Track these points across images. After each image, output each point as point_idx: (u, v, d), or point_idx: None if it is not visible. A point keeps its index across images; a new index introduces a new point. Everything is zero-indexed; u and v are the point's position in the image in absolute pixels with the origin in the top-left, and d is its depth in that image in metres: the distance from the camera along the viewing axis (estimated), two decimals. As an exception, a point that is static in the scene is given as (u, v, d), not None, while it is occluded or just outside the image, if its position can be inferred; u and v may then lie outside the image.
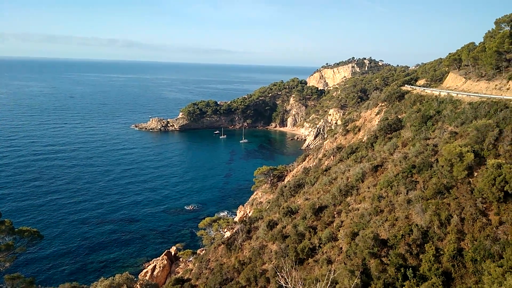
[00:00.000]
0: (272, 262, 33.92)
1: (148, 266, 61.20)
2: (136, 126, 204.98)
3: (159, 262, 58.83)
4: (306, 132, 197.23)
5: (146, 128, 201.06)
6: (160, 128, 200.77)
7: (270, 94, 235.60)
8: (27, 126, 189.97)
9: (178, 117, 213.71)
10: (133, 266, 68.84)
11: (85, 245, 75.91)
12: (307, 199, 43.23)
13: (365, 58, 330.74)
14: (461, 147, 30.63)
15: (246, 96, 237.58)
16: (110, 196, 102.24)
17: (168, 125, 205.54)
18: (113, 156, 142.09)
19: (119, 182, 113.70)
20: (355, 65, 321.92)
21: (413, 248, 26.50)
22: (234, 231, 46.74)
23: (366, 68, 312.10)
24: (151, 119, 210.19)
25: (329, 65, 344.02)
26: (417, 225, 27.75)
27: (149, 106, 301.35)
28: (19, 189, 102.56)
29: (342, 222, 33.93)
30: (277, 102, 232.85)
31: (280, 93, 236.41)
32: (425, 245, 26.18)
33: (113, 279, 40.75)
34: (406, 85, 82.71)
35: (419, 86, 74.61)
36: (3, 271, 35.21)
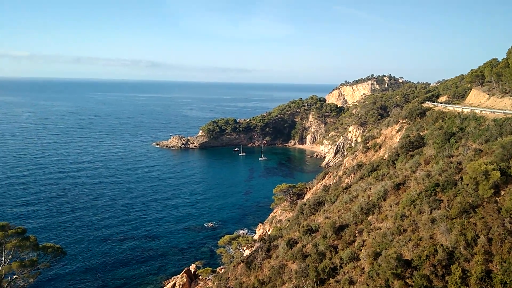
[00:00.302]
0: (293, 282, 33.43)
1: (168, 283, 61.22)
2: (157, 144, 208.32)
3: (179, 280, 58.75)
4: (325, 150, 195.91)
5: (167, 146, 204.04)
6: (180, 146, 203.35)
7: (289, 112, 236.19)
8: (53, 144, 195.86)
9: (198, 134, 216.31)
10: (153, 284, 68.94)
11: (106, 262, 76.62)
12: (327, 218, 42.69)
13: (384, 75, 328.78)
14: (486, 165, 29.87)
15: (265, 114, 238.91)
16: (132, 213, 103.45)
17: (188, 142, 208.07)
18: (135, 174, 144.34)
19: (141, 199, 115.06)
20: (375, 82, 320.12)
21: (439, 269, 25.70)
22: (254, 249, 46.42)
23: (386, 85, 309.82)
24: (171, 137, 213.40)
25: (348, 82, 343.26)
26: (442, 245, 26.97)
27: (170, 124, 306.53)
28: (45, 206, 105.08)
29: (364, 241, 33.28)
30: (296, 120, 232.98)
31: (299, 110, 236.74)
32: (451, 266, 25.35)
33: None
34: (427, 102, 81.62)
35: (441, 103, 73.50)
36: (27, 287, 35.96)
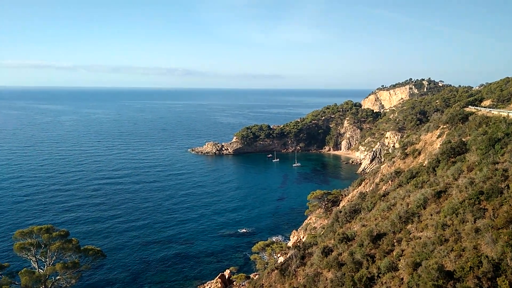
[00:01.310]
0: (328, 291, 32.77)
1: (202, 288, 61.83)
2: (192, 150, 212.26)
3: (213, 285, 59.21)
4: (361, 156, 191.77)
5: (201, 152, 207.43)
6: (215, 152, 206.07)
7: (323, 117, 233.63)
8: (95, 150, 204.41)
9: (232, 141, 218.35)
10: (188, 288, 69.91)
11: (143, 265, 78.59)
12: (364, 226, 41.64)
13: (423, 79, 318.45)
14: (536, 172, 28.07)
15: (299, 120, 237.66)
16: (169, 218, 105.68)
17: (223, 149, 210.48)
18: (173, 180, 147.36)
19: (178, 206, 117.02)
20: (413, 86, 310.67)
21: (484, 282, 24.32)
22: (288, 256, 45.99)
23: (425, 89, 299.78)
24: (206, 143, 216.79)
25: (385, 87, 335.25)
26: (487, 256, 25.53)
27: (205, 130, 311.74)
28: (87, 211, 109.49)
29: (402, 251, 32.12)
30: (331, 125, 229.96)
31: (333, 116, 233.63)
32: (497, 279, 23.92)
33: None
34: (469, 106, 78.16)
35: (484, 107, 70.15)
36: None
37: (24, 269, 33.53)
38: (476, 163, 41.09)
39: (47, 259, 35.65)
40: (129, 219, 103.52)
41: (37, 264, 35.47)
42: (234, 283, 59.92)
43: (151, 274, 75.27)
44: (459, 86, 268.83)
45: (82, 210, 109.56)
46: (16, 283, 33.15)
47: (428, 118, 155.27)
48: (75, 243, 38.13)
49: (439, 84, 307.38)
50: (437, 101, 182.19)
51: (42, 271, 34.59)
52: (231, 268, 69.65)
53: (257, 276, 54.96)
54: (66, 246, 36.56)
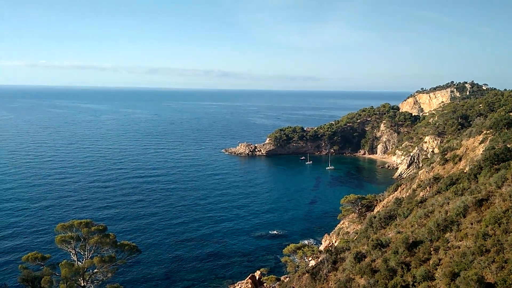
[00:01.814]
0: (360, 297, 32.07)
1: (233, 288, 62.29)
2: (226, 151, 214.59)
3: (244, 285, 59.51)
4: (398, 160, 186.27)
5: (235, 153, 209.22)
6: (248, 153, 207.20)
7: (358, 120, 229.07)
8: (133, 149, 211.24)
9: (265, 142, 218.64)
10: (219, 287, 70.61)
11: (177, 263, 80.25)
12: (399, 232, 40.37)
13: (466, 82, 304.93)
14: None
15: (333, 122, 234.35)
16: (203, 217, 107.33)
17: (256, 150, 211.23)
18: (207, 180, 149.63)
19: (212, 206, 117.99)
20: (455, 89, 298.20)
21: (529, 298, 22.91)
22: (319, 260, 45.41)
23: (468, 93, 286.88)
24: (239, 144, 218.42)
25: (425, 90, 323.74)
26: (533, 270, 24.03)
27: (238, 131, 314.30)
28: (125, 208, 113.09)
29: (439, 260, 30.86)
30: (366, 129, 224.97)
31: (369, 119, 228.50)
32: (545, 295, 22.46)
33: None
34: (516, 111, 73.99)
35: (533, 112, 66.21)
36: (105, 281, 38.85)
37: (64, 261, 35.10)
38: (523, 171, 38.83)
39: (86, 253, 37.14)
40: (164, 217, 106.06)
41: (76, 256, 37.01)
42: (265, 284, 59.90)
43: (184, 271, 76.75)
44: (505, 89, 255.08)
45: (120, 206, 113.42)
46: (57, 274, 34.74)
47: (470, 123, 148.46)
48: (112, 238, 39.41)
49: (483, 88, 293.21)
50: (481, 105, 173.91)
51: (80, 263, 36.09)
52: (261, 269, 69.67)
53: (287, 279, 54.66)
54: (104, 240, 37.88)
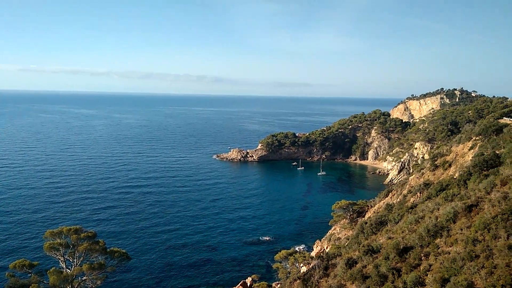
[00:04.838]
0: (351, 304, 32.04)
1: (224, 295, 61.73)
2: (217, 156, 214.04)
3: (235, 292, 59.00)
4: (389, 166, 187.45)
5: (227, 159, 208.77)
6: (240, 159, 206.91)
7: (350, 126, 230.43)
8: (124, 155, 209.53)
9: (257, 148, 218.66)
10: (210, 294, 70.09)
11: (166, 270, 79.47)
12: (390, 238, 40.53)
13: (455, 89, 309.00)
14: None
15: (325, 128, 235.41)
16: (193, 224, 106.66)
17: (248, 155, 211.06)
18: (198, 186, 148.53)
19: (204, 212, 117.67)
20: (444, 96, 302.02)
21: (518, 303, 23.08)
22: (311, 266, 45.35)
23: (457, 100, 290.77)
24: (231, 150, 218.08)
25: (415, 96, 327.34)
26: (522, 276, 24.25)
27: (231, 137, 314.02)
28: (116, 214, 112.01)
29: (430, 265, 31.01)
30: (358, 135, 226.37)
31: (360, 125, 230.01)
32: (533, 300, 22.66)
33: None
34: (504, 118, 75.24)
35: (520, 118, 67.27)
36: (94, 288, 38.31)
37: (52, 268, 34.57)
38: (510, 176, 39.35)
39: (75, 260, 36.64)
40: (155, 223, 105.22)
41: (65, 264, 36.49)
42: (256, 291, 59.49)
43: (174, 278, 76.01)
44: (493, 96, 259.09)
45: (111, 212, 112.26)
46: (45, 281, 34.18)
47: (460, 129, 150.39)
48: (102, 245, 38.99)
49: (472, 95, 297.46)
50: (470, 111, 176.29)
51: (69, 271, 35.56)
52: (253, 276, 69.25)
53: (279, 286, 54.43)
54: (93, 247, 37.45)
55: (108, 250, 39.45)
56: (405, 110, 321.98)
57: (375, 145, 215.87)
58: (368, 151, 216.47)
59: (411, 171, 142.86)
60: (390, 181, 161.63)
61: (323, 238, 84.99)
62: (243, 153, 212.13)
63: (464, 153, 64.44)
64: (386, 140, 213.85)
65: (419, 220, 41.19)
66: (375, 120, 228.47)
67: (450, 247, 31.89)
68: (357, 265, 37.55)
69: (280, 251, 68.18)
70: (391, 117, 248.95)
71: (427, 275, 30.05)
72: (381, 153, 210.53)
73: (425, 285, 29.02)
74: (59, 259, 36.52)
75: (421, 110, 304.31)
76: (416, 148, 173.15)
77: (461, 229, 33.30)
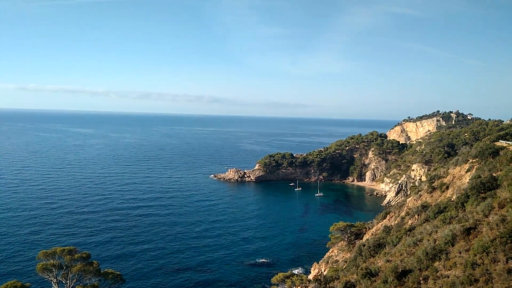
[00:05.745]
0: (349, 329, 31.38)
1: (219, 319, 60.36)
2: (215, 176, 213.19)
3: (231, 316, 57.73)
4: (386, 188, 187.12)
5: (224, 178, 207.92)
6: (237, 179, 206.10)
7: (347, 147, 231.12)
8: (122, 175, 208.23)
9: (255, 168, 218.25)
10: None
11: (161, 292, 77.90)
12: (388, 261, 40.09)
13: (451, 112, 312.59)
14: None
15: (322, 149, 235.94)
16: (189, 247, 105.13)
17: (245, 176, 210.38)
18: (194, 207, 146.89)
19: (201, 234, 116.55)
20: (441, 118, 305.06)
21: (519, 329, 22.70)
22: (308, 290, 44.59)
23: (453, 122, 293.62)
24: (229, 170, 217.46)
25: (412, 119, 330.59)
26: (522, 301, 23.94)
27: (228, 157, 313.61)
28: (112, 235, 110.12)
29: (429, 290, 30.56)
30: (355, 156, 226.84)
31: (357, 146, 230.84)
32: (534, 326, 22.29)
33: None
34: (500, 141, 75.71)
35: (516, 141, 67.75)
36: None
37: (45, 290, 33.85)
38: (508, 199, 39.34)
39: (68, 281, 35.93)
40: (151, 245, 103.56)
41: (58, 285, 35.76)
42: (252, 315, 58.26)
43: (168, 301, 74.36)
44: (489, 119, 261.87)
45: (107, 233, 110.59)
46: (37, 303, 33.39)
47: (457, 151, 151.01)
48: (95, 266, 38.36)
49: (468, 117, 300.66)
50: (466, 134, 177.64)
51: (62, 292, 34.83)
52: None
53: (276, 309, 53.30)
54: (87, 268, 36.81)
55: (102, 271, 38.76)
56: (401, 132, 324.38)
57: (373, 167, 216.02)
58: (365, 172, 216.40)
59: (408, 193, 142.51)
60: (387, 202, 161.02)
61: (321, 260, 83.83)
62: (240, 173, 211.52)
63: (461, 175, 64.55)
64: (383, 162, 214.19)
65: (418, 242, 40.88)
66: (372, 141, 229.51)
67: (449, 270, 31.54)
68: (355, 289, 36.95)
69: (277, 274, 67.20)
70: (388, 138, 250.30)
71: (426, 299, 29.58)
72: (379, 174, 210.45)
73: (425, 310, 28.52)
74: (52, 280, 35.82)
75: (418, 132, 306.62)
76: (413, 170, 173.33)
77: (460, 252, 33.03)
